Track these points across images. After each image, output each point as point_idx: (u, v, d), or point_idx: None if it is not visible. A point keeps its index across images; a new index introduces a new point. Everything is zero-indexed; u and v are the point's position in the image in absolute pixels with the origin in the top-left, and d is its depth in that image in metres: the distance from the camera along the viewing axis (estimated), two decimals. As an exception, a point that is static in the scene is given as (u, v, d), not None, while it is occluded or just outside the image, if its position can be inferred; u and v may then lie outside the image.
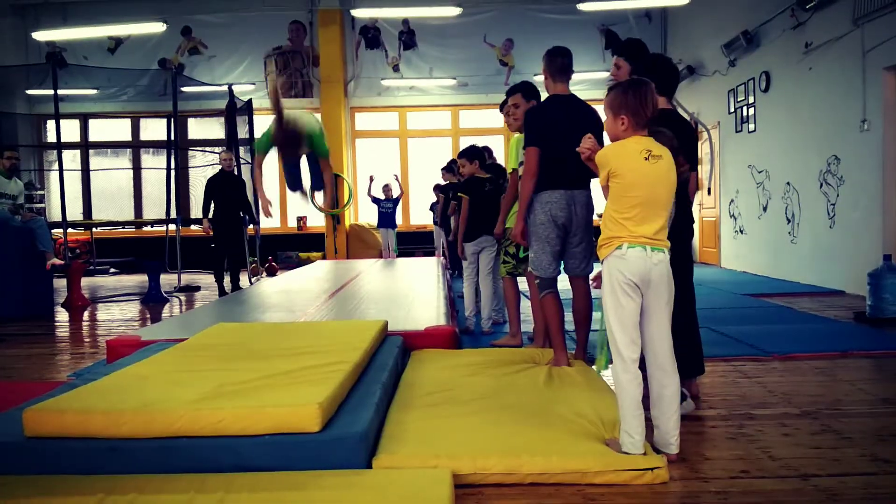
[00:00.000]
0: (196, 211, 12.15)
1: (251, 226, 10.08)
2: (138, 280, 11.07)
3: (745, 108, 10.36)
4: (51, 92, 10.12)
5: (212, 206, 8.88)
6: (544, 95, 4.46)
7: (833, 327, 5.65)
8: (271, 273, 11.62)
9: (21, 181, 8.29)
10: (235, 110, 11.26)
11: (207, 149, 12.61)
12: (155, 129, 13.68)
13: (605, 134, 2.96)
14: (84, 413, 2.59)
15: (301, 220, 14.48)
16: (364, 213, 14.42)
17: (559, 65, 4.23)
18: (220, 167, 9.09)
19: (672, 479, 2.56)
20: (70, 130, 13.48)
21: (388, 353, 3.93)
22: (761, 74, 9.70)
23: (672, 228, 3.49)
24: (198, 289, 9.79)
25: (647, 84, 2.72)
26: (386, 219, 12.55)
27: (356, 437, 2.55)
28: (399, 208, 12.91)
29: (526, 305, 5.48)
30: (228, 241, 8.94)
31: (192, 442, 2.54)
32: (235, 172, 10.11)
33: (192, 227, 11.01)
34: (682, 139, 3.59)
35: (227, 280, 8.99)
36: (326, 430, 2.59)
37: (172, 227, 10.25)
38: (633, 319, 2.65)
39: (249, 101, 11.38)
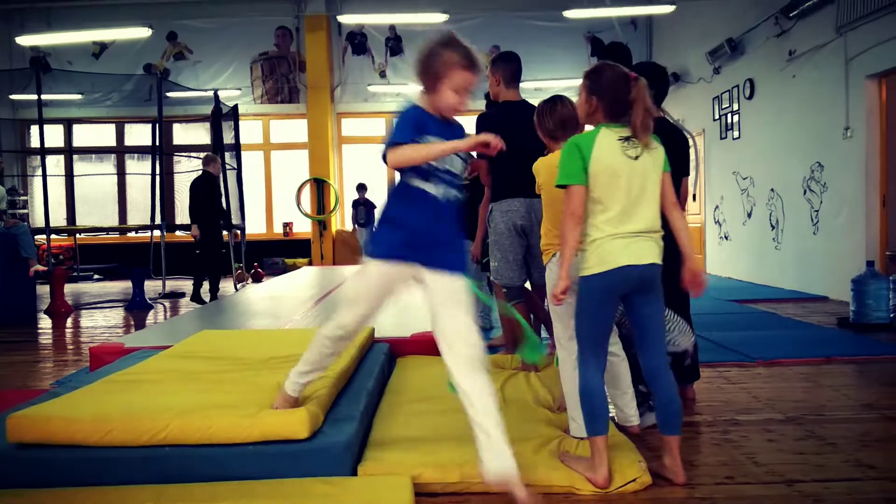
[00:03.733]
0: (182, 217, 12.10)
1: (229, 231, 9.77)
2: (122, 286, 10.99)
3: (729, 115, 10.43)
4: (34, 97, 10.06)
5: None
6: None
7: (817, 333, 5.69)
8: (257, 279, 11.57)
9: (3, 187, 8.23)
10: (221, 116, 11.21)
11: (192, 154, 12.54)
12: (140, 134, 13.62)
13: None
14: (70, 420, 2.56)
15: (287, 225, 14.44)
16: (350, 220, 14.38)
17: (514, 70, 4.22)
18: (202, 170, 8.92)
19: (658, 486, 2.57)
20: (54, 136, 13.39)
21: (375, 360, 3.91)
22: (745, 82, 9.77)
23: (665, 234, 3.51)
24: (182, 295, 9.73)
25: (554, 100, 3.13)
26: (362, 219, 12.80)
27: (341, 445, 2.54)
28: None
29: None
30: (209, 247, 8.79)
31: (177, 451, 2.52)
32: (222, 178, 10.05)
33: (178, 232, 10.96)
34: (674, 147, 3.62)
35: (205, 287, 8.92)
36: (313, 438, 2.58)
37: (157, 233, 10.19)
38: (570, 312, 2.69)
39: (235, 107, 11.35)
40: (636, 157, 2.49)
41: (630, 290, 2.53)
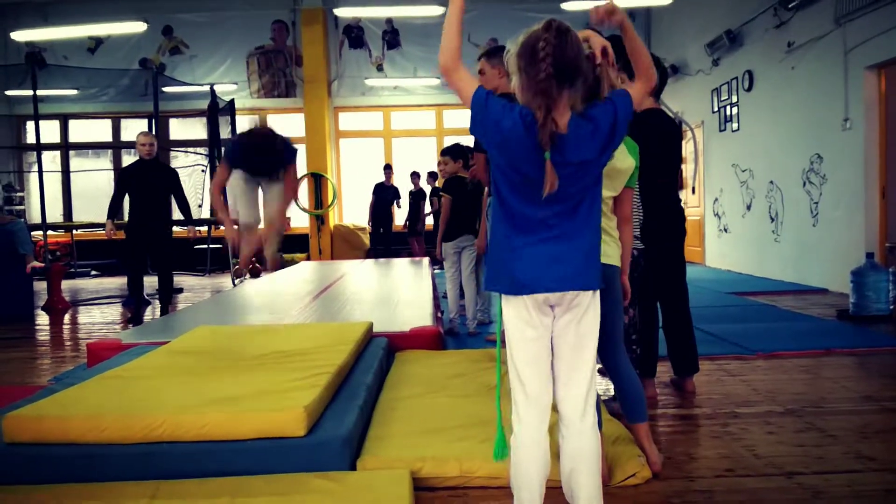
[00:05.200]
0: (177, 213, 12.06)
1: (185, 228, 7.61)
2: (119, 282, 10.97)
3: (728, 108, 10.40)
4: (30, 92, 10.02)
5: (126, 203, 6.96)
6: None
7: (816, 325, 5.68)
8: (255, 274, 11.54)
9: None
10: (217, 110, 11.18)
11: (189, 149, 12.51)
12: (136, 129, 13.47)
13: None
14: (64, 419, 2.55)
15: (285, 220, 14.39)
16: (349, 214, 14.37)
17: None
18: (138, 155, 6.88)
19: (658, 479, 2.56)
20: (50, 131, 13.34)
21: (373, 354, 3.90)
22: (744, 74, 9.74)
23: (663, 226, 3.51)
24: (180, 291, 9.71)
25: None
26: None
27: (340, 440, 2.53)
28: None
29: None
30: (148, 249, 6.96)
31: (174, 447, 2.51)
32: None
33: (175, 228, 10.87)
34: (667, 138, 3.61)
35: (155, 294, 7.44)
36: (311, 433, 2.57)
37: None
38: None
39: (232, 101, 11.31)
40: None
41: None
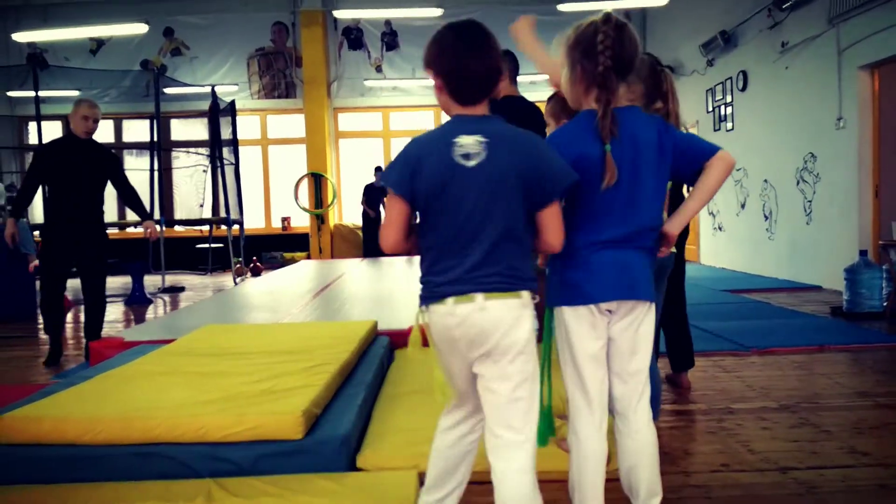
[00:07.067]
0: (180, 212, 12.12)
1: (143, 226, 5.73)
2: (122, 281, 11.00)
3: (723, 107, 10.47)
4: (32, 93, 10.06)
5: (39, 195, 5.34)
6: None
7: (810, 322, 5.74)
8: (256, 273, 11.60)
9: (2, 183, 8.22)
10: (218, 111, 11.22)
11: (191, 150, 12.56)
12: (137, 130, 13.60)
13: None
14: (61, 420, 2.55)
15: (285, 220, 14.45)
16: (348, 213, 14.42)
17: (516, 67, 4.34)
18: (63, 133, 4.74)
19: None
20: (52, 132, 13.34)
21: (375, 353, 3.95)
22: (739, 74, 9.80)
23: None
24: (182, 290, 9.75)
25: None
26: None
27: (338, 440, 2.56)
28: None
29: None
30: (74, 258, 5.01)
31: (171, 448, 2.51)
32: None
33: (176, 227, 10.92)
34: None
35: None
36: (309, 434, 2.58)
37: (156, 227, 10.19)
38: None
39: (232, 102, 11.34)
40: None
41: None
